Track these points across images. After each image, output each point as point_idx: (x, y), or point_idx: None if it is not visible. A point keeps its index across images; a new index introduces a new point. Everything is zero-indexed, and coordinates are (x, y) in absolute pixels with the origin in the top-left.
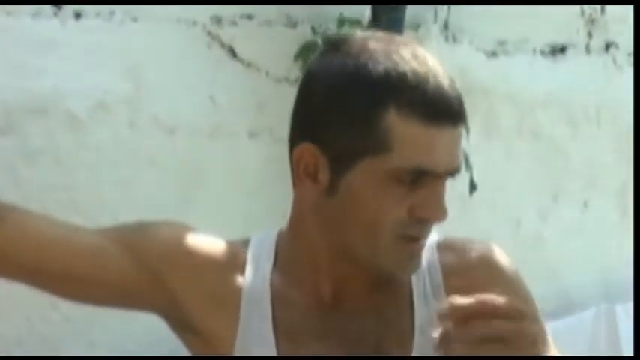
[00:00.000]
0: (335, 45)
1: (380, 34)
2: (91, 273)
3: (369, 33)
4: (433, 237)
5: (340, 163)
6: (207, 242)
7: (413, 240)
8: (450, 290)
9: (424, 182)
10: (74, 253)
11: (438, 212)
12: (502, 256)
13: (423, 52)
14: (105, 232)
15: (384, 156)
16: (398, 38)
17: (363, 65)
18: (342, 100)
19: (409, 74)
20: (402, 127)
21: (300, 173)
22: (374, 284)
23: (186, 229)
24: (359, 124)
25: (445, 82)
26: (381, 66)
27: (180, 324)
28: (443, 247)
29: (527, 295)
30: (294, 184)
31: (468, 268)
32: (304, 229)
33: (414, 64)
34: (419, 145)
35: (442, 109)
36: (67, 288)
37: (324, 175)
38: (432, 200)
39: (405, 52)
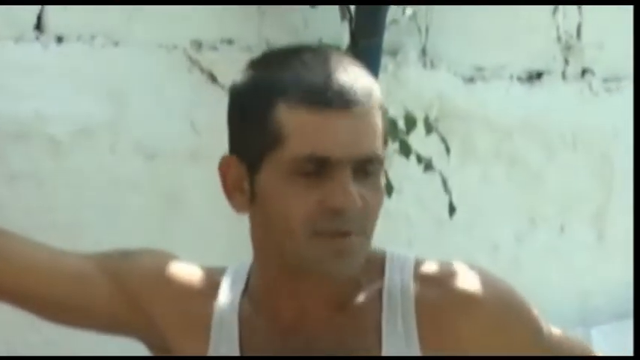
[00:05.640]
0: (252, 62)
1: (306, 47)
2: (73, 298)
3: (298, 47)
4: (409, 257)
5: (252, 167)
6: (186, 271)
7: (333, 236)
8: (422, 323)
9: (329, 172)
10: (57, 278)
11: (345, 199)
12: (487, 290)
13: (329, 54)
14: (88, 258)
15: (281, 148)
16: (316, 48)
17: (262, 71)
18: (243, 106)
19: (297, 68)
20: (291, 117)
21: (228, 186)
22: (337, 306)
23: (168, 257)
24: (257, 124)
25: (339, 72)
26: (275, 68)
27: (158, 348)
28: (422, 273)
29: (516, 330)
30: (227, 199)
31: (445, 304)
32: (257, 251)
33: (307, 61)
34: (309, 132)
35: (330, 95)
36: (49, 311)
37: (246, 184)
38: (337, 188)
39: (305, 54)
